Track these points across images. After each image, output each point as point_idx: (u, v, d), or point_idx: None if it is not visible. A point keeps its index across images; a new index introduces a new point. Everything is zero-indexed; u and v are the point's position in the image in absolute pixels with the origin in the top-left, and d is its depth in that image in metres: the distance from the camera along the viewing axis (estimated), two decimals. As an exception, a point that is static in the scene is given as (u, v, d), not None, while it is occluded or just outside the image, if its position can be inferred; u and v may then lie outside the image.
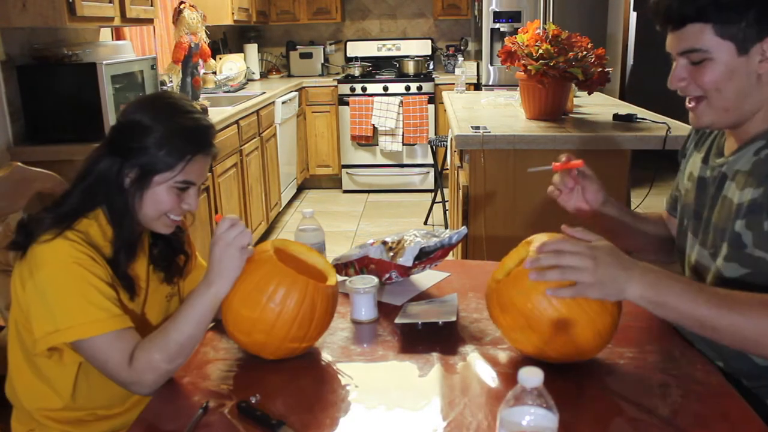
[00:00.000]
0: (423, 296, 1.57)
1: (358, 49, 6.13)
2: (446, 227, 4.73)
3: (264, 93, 4.65)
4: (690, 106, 1.26)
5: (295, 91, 5.45)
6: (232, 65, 5.03)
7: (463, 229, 1.61)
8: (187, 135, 1.29)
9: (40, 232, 1.24)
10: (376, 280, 1.46)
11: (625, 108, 3.27)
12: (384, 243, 1.62)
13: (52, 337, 1.20)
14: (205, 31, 3.73)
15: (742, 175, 1.21)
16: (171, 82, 3.91)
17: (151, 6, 3.34)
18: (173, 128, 1.28)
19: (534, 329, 1.15)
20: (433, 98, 5.55)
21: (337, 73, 6.05)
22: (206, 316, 1.22)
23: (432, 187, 5.57)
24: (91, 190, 1.29)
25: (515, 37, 2.94)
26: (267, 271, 1.24)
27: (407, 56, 5.92)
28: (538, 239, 1.21)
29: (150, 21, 3.40)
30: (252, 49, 5.86)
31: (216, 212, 3.48)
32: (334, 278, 1.33)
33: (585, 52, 2.80)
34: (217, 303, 1.23)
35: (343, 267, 1.64)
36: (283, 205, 5.15)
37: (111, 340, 1.20)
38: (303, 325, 1.23)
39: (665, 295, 1.08)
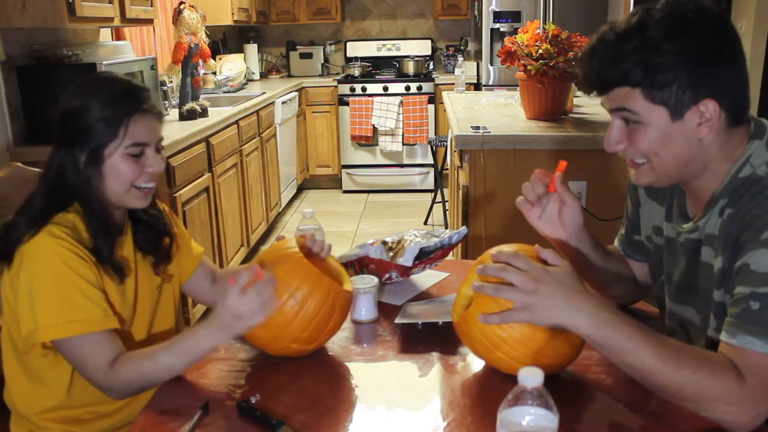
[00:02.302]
0: (423, 296, 1.57)
1: (358, 49, 6.13)
2: (446, 227, 4.73)
3: (264, 93, 4.65)
4: (629, 165, 1.18)
5: (295, 91, 5.45)
6: (232, 65, 5.03)
7: (463, 229, 1.61)
8: (118, 99, 1.30)
9: (17, 235, 1.25)
10: (376, 280, 1.46)
11: (625, 108, 3.26)
12: (384, 243, 1.62)
13: (33, 336, 1.22)
14: (205, 32, 3.73)
15: (714, 239, 1.13)
16: (171, 82, 3.91)
17: (151, 6, 3.34)
18: (104, 98, 1.29)
19: (511, 352, 1.13)
20: (433, 98, 5.55)
21: (337, 73, 6.05)
22: (200, 356, 1.20)
23: (432, 187, 5.57)
24: (55, 185, 1.30)
25: (515, 37, 2.93)
26: (292, 268, 1.22)
27: (407, 56, 5.92)
28: (499, 250, 1.17)
29: (150, 21, 3.40)
30: (252, 49, 5.87)
31: (215, 213, 3.48)
32: (349, 283, 1.33)
33: (585, 52, 2.80)
34: (212, 350, 1.21)
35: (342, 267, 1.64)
36: (283, 205, 5.15)
37: (90, 343, 1.21)
38: (319, 327, 1.22)
39: (611, 337, 1.01)
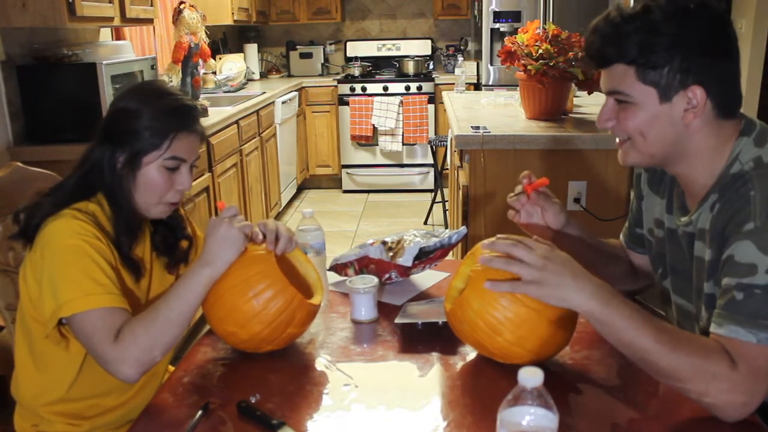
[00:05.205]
0: (423, 296, 1.57)
1: (358, 49, 6.13)
2: (446, 227, 4.73)
3: (264, 93, 4.65)
4: (617, 143, 1.24)
5: (295, 91, 5.45)
6: (232, 65, 5.03)
7: (463, 229, 1.61)
8: (170, 114, 1.34)
9: (40, 215, 1.28)
10: (376, 280, 1.46)
11: (625, 108, 3.26)
12: (384, 243, 1.62)
13: (58, 312, 1.21)
14: (205, 31, 3.73)
15: (705, 233, 1.17)
16: (171, 82, 3.90)
17: (151, 6, 3.34)
18: (157, 109, 1.33)
19: (497, 347, 1.17)
20: (433, 98, 5.55)
21: (337, 73, 6.04)
22: (198, 296, 1.24)
23: (432, 187, 5.57)
24: (87, 177, 1.34)
25: (515, 37, 2.93)
26: (262, 270, 1.26)
27: (407, 56, 5.92)
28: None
29: (150, 21, 3.40)
30: (252, 49, 5.86)
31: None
32: (320, 297, 1.35)
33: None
34: (210, 283, 1.25)
35: (342, 267, 1.64)
36: (283, 205, 5.15)
37: (101, 315, 1.21)
38: (276, 330, 1.25)
39: (613, 315, 1.04)
